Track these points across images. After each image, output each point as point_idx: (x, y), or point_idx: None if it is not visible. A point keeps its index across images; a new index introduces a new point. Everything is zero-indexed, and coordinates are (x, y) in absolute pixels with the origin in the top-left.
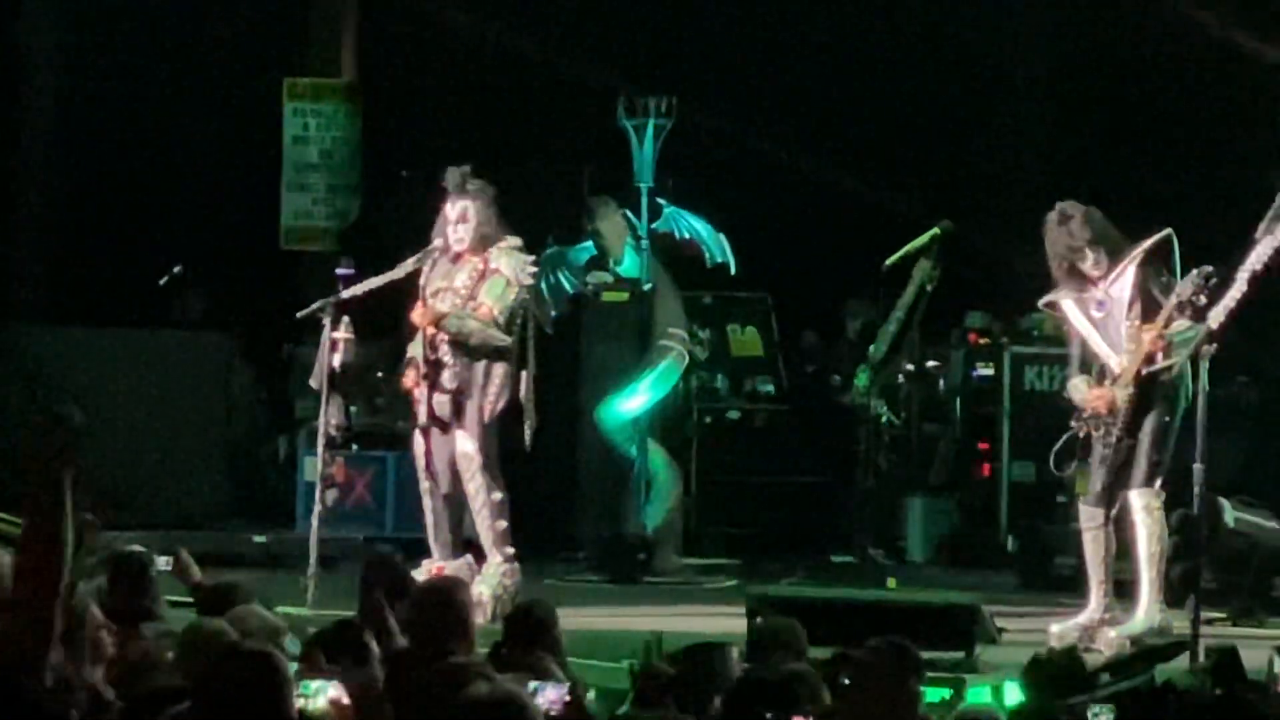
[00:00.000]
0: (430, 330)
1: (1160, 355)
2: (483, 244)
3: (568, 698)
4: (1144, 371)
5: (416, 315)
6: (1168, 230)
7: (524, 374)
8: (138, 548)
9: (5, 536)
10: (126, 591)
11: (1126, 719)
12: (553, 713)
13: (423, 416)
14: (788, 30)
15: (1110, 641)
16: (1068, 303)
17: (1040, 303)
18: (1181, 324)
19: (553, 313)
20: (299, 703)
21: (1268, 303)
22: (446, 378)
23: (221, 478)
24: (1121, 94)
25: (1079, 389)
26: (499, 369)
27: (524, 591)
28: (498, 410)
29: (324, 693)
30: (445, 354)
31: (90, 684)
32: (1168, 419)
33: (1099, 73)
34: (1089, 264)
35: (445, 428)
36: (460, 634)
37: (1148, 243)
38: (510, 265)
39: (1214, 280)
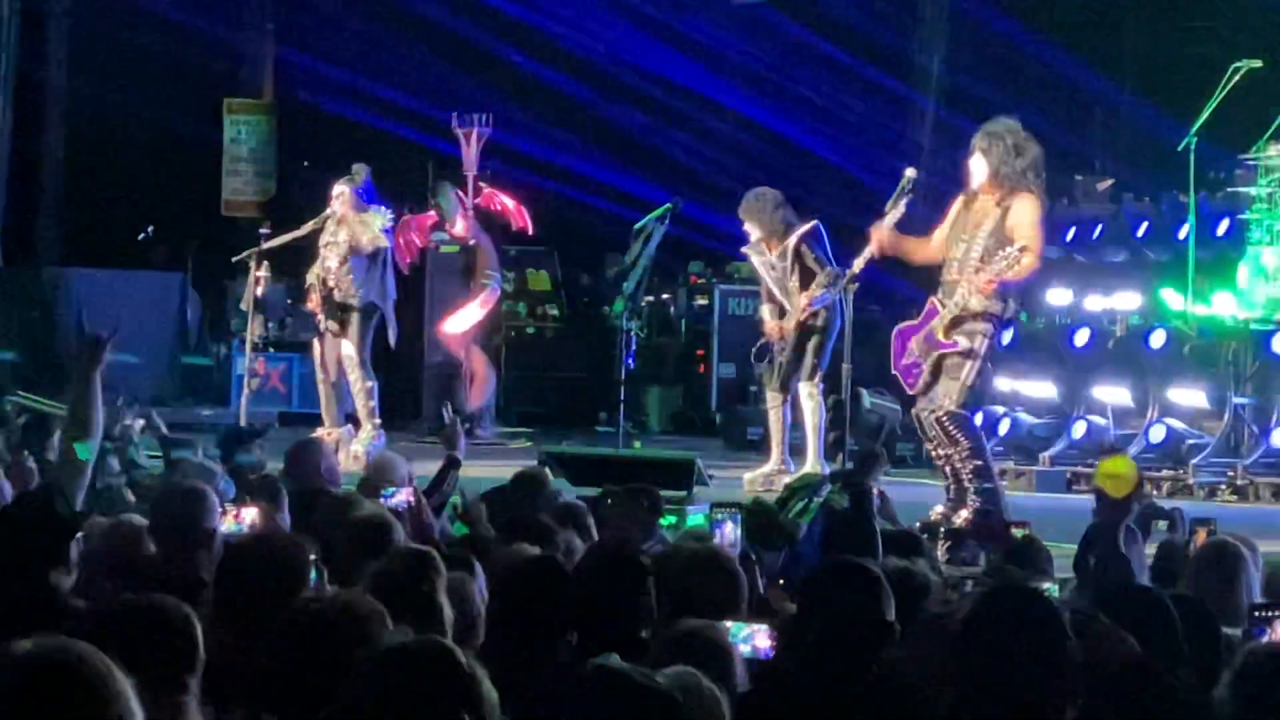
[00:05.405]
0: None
1: (807, 310)
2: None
3: (412, 499)
4: (799, 318)
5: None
6: (815, 221)
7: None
8: (128, 420)
9: (34, 410)
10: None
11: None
12: (401, 510)
13: (321, 327)
14: (573, 66)
15: (784, 485)
16: (754, 258)
17: (743, 249)
18: (820, 291)
19: (407, 260)
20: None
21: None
22: (336, 296)
23: (179, 372)
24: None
25: (766, 316)
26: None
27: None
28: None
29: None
30: (335, 284)
31: None
32: (820, 339)
33: (790, 85)
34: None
35: (335, 335)
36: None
37: (801, 229)
38: (377, 221)
39: (844, 279)
